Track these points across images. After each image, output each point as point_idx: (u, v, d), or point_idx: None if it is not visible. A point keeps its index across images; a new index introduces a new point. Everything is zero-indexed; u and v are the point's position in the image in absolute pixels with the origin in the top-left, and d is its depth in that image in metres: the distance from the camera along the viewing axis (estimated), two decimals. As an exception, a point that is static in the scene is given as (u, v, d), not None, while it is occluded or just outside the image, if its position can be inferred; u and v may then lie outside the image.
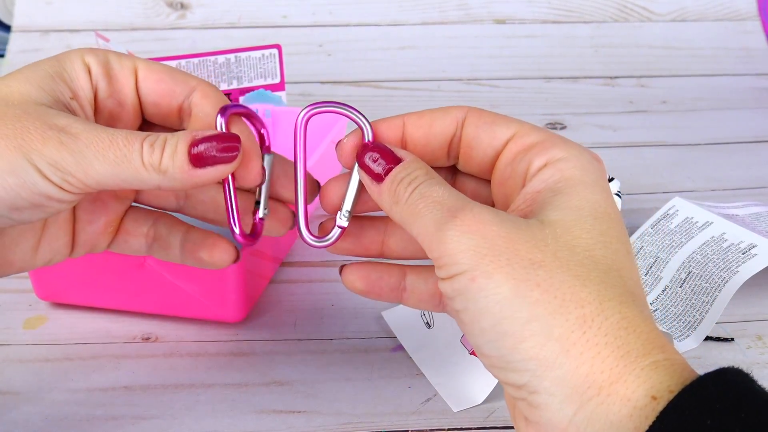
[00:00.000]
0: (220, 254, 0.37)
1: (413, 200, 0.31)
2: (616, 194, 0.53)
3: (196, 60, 0.70)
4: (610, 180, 0.53)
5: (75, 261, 0.47)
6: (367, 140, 0.34)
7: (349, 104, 0.35)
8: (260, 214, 0.36)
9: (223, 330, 0.48)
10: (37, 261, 0.37)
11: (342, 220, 0.35)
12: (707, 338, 0.47)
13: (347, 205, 0.35)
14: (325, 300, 0.52)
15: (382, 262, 0.36)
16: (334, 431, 0.41)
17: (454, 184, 0.36)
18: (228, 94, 0.72)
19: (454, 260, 0.28)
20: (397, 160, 0.32)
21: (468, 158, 0.34)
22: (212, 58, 0.70)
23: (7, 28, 0.96)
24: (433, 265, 0.31)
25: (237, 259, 0.38)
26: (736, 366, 0.26)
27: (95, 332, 0.48)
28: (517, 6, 0.98)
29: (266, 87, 0.73)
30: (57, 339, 0.48)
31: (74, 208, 0.38)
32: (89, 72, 0.35)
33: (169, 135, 0.32)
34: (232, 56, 0.71)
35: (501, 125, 0.33)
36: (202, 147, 0.32)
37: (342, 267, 0.36)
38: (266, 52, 0.72)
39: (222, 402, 0.43)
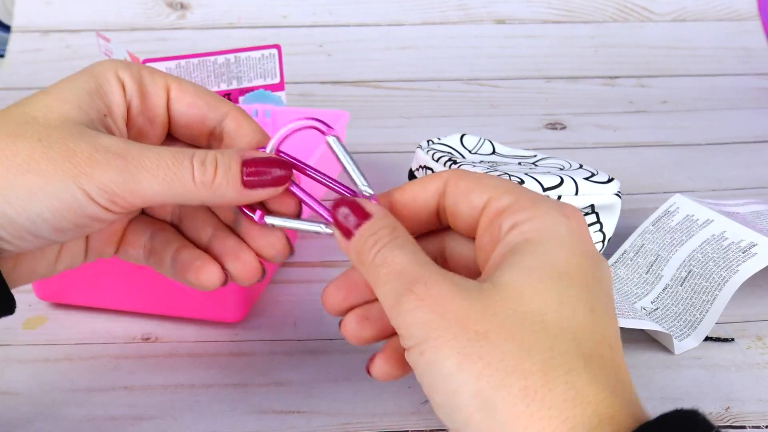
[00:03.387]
0: (206, 276, 0.36)
1: (376, 265, 0.31)
2: (616, 194, 0.53)
3: (195, 60, 0.70)
4: (610, 180, 0.53)
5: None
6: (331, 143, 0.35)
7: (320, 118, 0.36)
8: (366, 192, 0.35)
9: (223, 330, 0.48)
10: (58, 267, 0.37)
11: (367, 192, 0.35)
12: (707, 338, 0.47)
13: (358, 180, 0.35)
14: (325, 300, 0.52)
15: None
16: (334, 431, 0.41)
17: (446, 244, 0.36)
18: (228, 94, 0.72)
19: (408, 333, 0.29)
20: (366, 216, 0.32)
21: (454, 224, 0.35)
22: (212, 58, 0.70)
23: (7, 28, 0.96)
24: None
25: (225, 282, 0.37)
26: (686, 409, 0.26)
27: (95, 332, 0.48)
28: (517, 6, 0.98)
29: (266, 87, 0.73)
30: (57, 339, 0.48)
31: None
32: (123, 88, 0.35)
33: (218, 153, 0.33)
34: (231, 56, 0.71)
35: (476, 192, 0.33)
36: (255, 170, 0.33)
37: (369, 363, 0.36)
38: (266, 52, 0.72)
39: (222, 402, 0.43)
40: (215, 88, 0.71)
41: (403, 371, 0.35)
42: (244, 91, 0.72)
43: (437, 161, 0.56)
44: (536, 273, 0.29)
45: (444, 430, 0.41)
